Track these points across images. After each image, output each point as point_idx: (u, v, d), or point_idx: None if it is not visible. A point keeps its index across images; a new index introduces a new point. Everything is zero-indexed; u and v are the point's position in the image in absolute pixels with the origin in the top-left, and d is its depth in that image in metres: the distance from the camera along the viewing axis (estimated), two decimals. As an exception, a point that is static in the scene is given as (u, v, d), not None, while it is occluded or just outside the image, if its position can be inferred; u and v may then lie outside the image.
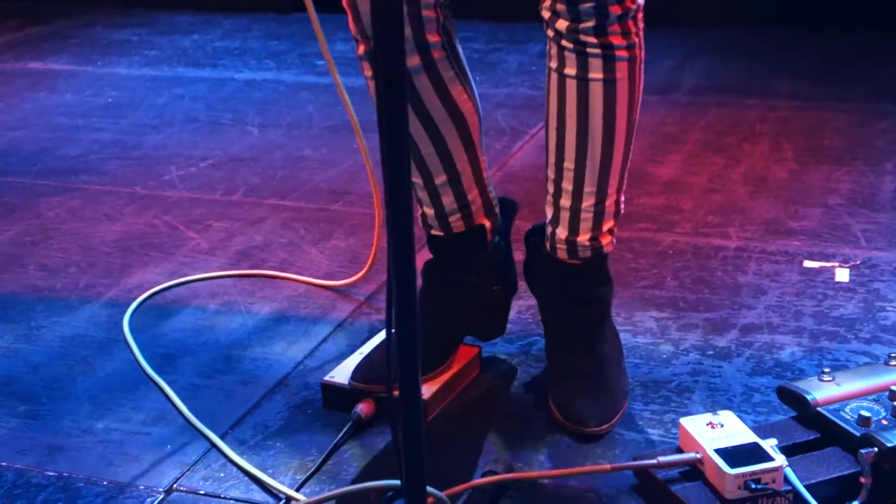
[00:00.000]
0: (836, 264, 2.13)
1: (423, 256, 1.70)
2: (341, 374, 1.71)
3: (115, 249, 2.31)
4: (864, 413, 1.44)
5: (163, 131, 3.08)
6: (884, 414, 1.45)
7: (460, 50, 1.63)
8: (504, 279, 1.78)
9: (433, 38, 1.55)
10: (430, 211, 1.70)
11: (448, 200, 1.67)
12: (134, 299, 2.07)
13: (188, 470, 1.57)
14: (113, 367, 1.86)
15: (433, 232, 1.72)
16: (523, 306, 1.95)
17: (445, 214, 1.69)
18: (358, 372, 1.69)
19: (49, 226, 2.45)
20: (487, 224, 1.72)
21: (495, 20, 4.02)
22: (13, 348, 1.93)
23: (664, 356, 1.83)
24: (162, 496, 1.51)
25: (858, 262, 2.13)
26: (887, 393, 1.48)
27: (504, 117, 3.05)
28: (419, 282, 1.67)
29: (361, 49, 1.58)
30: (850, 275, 2.08)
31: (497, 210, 1.75)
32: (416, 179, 1.66)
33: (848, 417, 1.45)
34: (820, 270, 2.11)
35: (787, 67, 3.48)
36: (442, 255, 1.74)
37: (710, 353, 1.83)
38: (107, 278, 2.18)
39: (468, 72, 1.64)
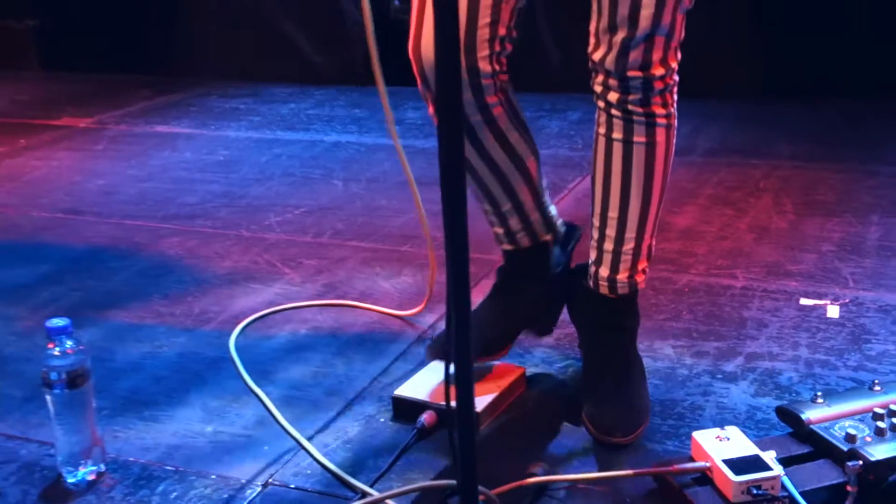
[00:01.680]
0: (828, 302, 2.10)
1: (478, 291, 1.72)
2: (408, 389, 1.72)
3: (223, 282, 2.34)
4: (851, 431, 1.42)
5: (264, 184, 3.11)
6: (868, 432, 1.43)
7: (517, 104, 1.64)
8: (562, 287, 1.78)
9: (492, 100, 1.57)
10: (500, 230, 1.73)
11: (514, 222, 1.70)
12: (238, 323, 2.09)
13: (281, 467, 1.58)
14: (221, 379, 1.88)
15: (504, 247, 1.75)
16: (561, 335, 1.95)
17: (513, 232, 1.72)
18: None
19: (170, 262, 2.48)
20: (548, 238, 1.73)
21: (540, 92, 4.02)
22: (140, 363, 1.96)
23: (680, 378, 1.81)
24: (259, 488, 1.53)
25: (847, 301, 2.10)
26: (871, 414, 1.46)
27: (546, 174, 3.03)
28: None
29: (432, 109, 1.60)
30: (840, 311, 2.06)
31: (558, 224, 1.76)
32: (487, 207, 1.70)
33: (837, 434, 1.43)
34: (814, 307, 2.09)
35: (787, 133, 3.45)
36: (511, 265, 1.76)
37: (719, 376, 1.81)
38: (216, 306, 2.21)
39: (525, 120, 1.65)
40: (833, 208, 2.69)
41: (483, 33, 1.49)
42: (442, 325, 2.04)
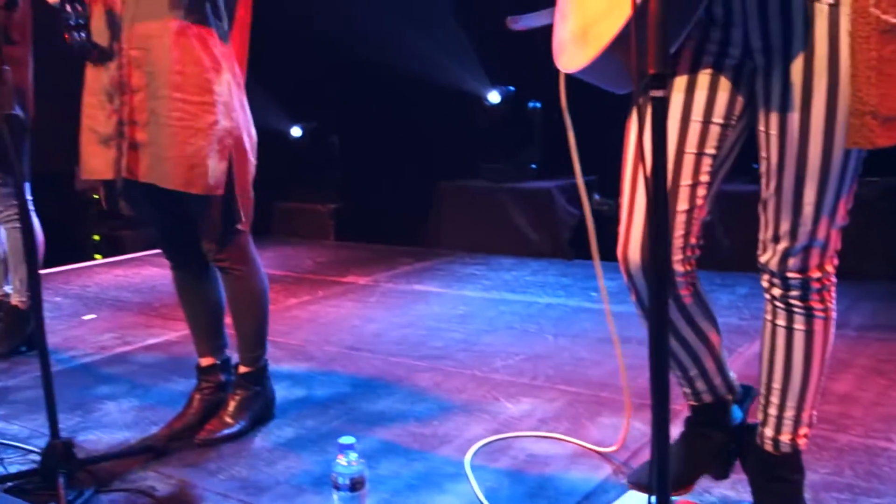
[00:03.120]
0: (982, 470, 1.86)
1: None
2: (607, 514, 1.67)
3: (461, 411, 2.36)
4: None
5: (492, 334, 3.14)
6: None
7: (704, 293, 1.59)
8: (738, 439, 1.68)
9: (684, 292, 1.53)
10: (687, 391, 1.66)
11: (700, 384, 1.63)
12: (472, 445, 2.09)
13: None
14: (458, 491, 1.87)
15: (690, 402, 1.67)
16: (735, 479, 1.81)
17: (698, 392, 1.64)
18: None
19: (422, 392, 2.53)
20: (729, 398, 1.65)
21: (712, 269, 3.91)
22: (398, 472, 1.99)
23: (844, 529, 1.65)
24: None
25: None
26: None
27: (719, 339, 2.93)
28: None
29: (633, 297, 1.57)
30: None
31: (736, 386, 1.67)
32: (677, 372, 1.63)
33: None
34: (968, 474, 1.85)
35: (933, 314, 3.16)
36: (697, 416, 1.68)
37: (881, 530, 1.64)
38: (455, 430, 2.22)
39: (710, 306, 1.59)
40: (981, 384, 2.41)
41: (678, 242, 1.47)
42: (634, 463, 1.97)
